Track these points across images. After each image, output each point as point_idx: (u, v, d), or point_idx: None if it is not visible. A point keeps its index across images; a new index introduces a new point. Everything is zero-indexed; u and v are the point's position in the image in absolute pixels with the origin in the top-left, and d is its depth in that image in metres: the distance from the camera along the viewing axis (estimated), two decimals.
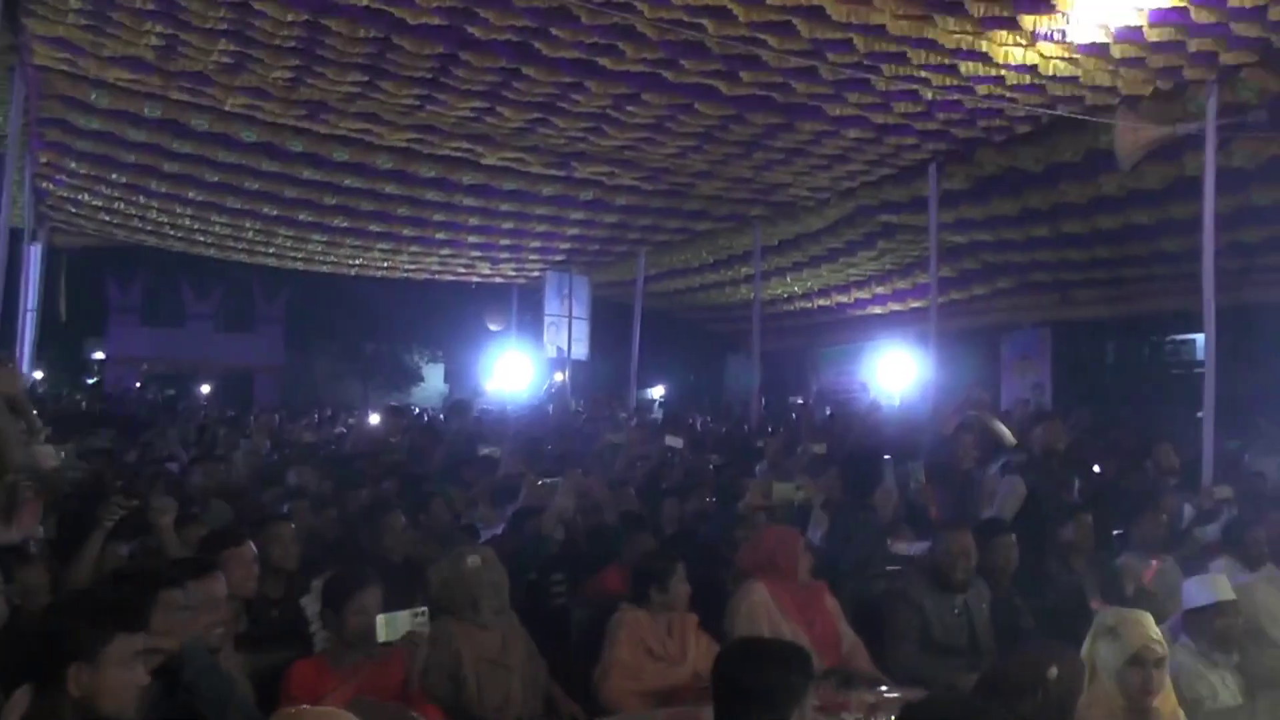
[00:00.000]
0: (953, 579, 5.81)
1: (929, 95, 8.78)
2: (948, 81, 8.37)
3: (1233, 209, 9.90)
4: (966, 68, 8.01)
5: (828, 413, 16.84)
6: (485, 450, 9.77)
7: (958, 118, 9.46)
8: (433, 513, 7.60)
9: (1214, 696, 4.82)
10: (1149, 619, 4.11)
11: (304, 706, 3.25)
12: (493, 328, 22.68)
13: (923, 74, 8.23)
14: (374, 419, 14.32)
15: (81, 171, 12.62)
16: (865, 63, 8.02)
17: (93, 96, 10.05)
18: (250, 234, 15.63)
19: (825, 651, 5.40)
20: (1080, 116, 8.96)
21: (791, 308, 19.35)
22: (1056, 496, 7.71)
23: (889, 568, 6.93)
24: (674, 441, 10.53)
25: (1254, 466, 10.21)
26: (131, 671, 3.07)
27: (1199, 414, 9.19)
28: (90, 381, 31.44)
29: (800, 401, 19.37)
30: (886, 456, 8.11)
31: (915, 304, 16.62)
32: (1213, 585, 5.09)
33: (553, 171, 12.05)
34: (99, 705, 2.98)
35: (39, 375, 11.43)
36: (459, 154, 11.45)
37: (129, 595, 3.42)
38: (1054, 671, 3.66)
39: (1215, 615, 4.97)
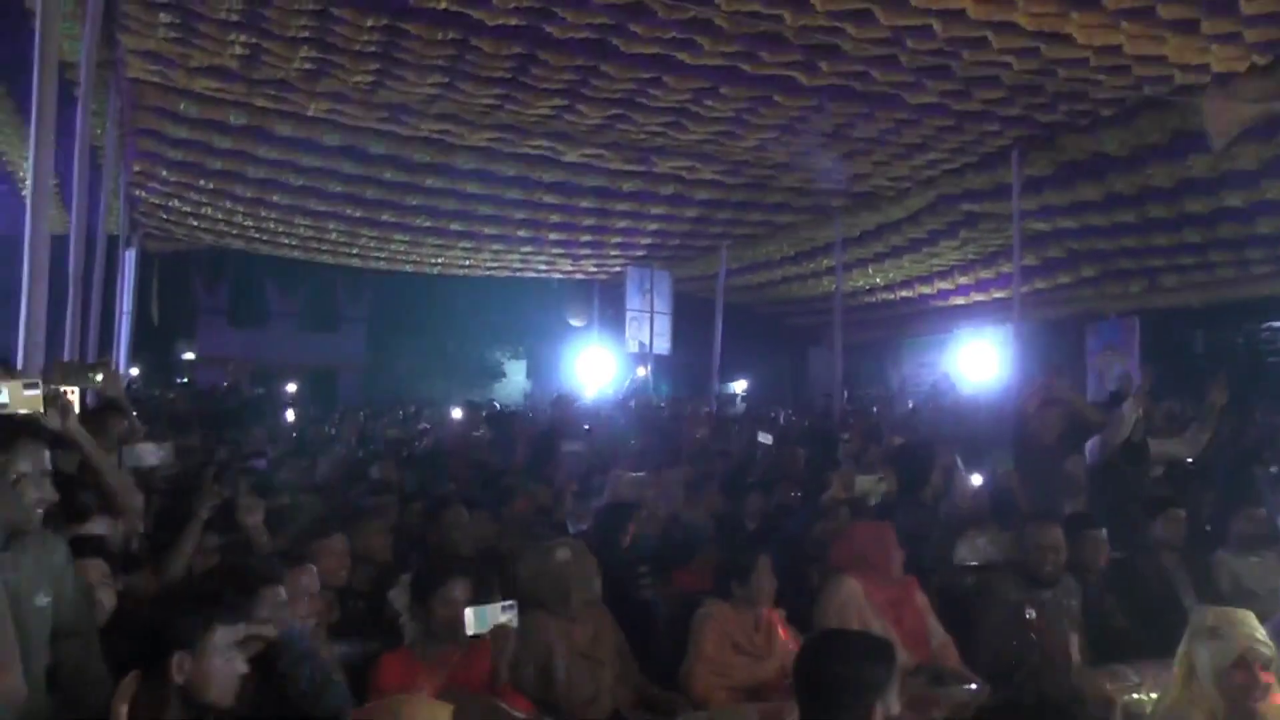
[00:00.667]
0: (1041, 574, 5.72)
1: (1010, 80, 8.64)
2: (1029, 65, 8.21)
3: None
4: (1048, 51, 7.85)
5: (909, 405, 16.68)
6: (569, 446, 9.81)
7: (1039, 102, 9.28)
8: (515, 507, 7.68)
9: None
10: (1252, 618, 3.95)
11: (397, 695, 3.30)
12: (574, 324, 22.75)
13: (1004, 59, 8.08)
14: (455, 414, 14.46)
15: (172, 179, 12.92)
16: (945, 49, 7.91)
17: (182, 106, 10.28)
18: (334, 235, 15.86)
19: (914, 648, 5.36)
20: (1168, 97, 8.76)
21: (873, 299, 19.17)
22: (1139, 486, 7.57)
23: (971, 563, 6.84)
24: (764, 438, 10.51)
25: None
26: (231, 660, 3.21)
27: None
28: (181, 381, 31.99)
29: (881, 393, 19.19)
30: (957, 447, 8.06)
31: (998, 293, 16.39)
32: None
33: (633, 167, 12.06)
34: (201, 692, 3.13)
35: (134, 373, 11.70)
36: (539, 152, 11.50)
37: (230, 588, 3.53)
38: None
39: None
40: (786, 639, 5.34)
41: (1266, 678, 3.78)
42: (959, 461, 7.82)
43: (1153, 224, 12.24)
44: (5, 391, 3.56)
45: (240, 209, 14.37)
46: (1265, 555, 6.63)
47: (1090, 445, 7.82)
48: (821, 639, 3.82)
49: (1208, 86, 8.35)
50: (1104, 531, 6.18)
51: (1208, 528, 7.52)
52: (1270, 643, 3.86)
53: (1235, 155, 9.48)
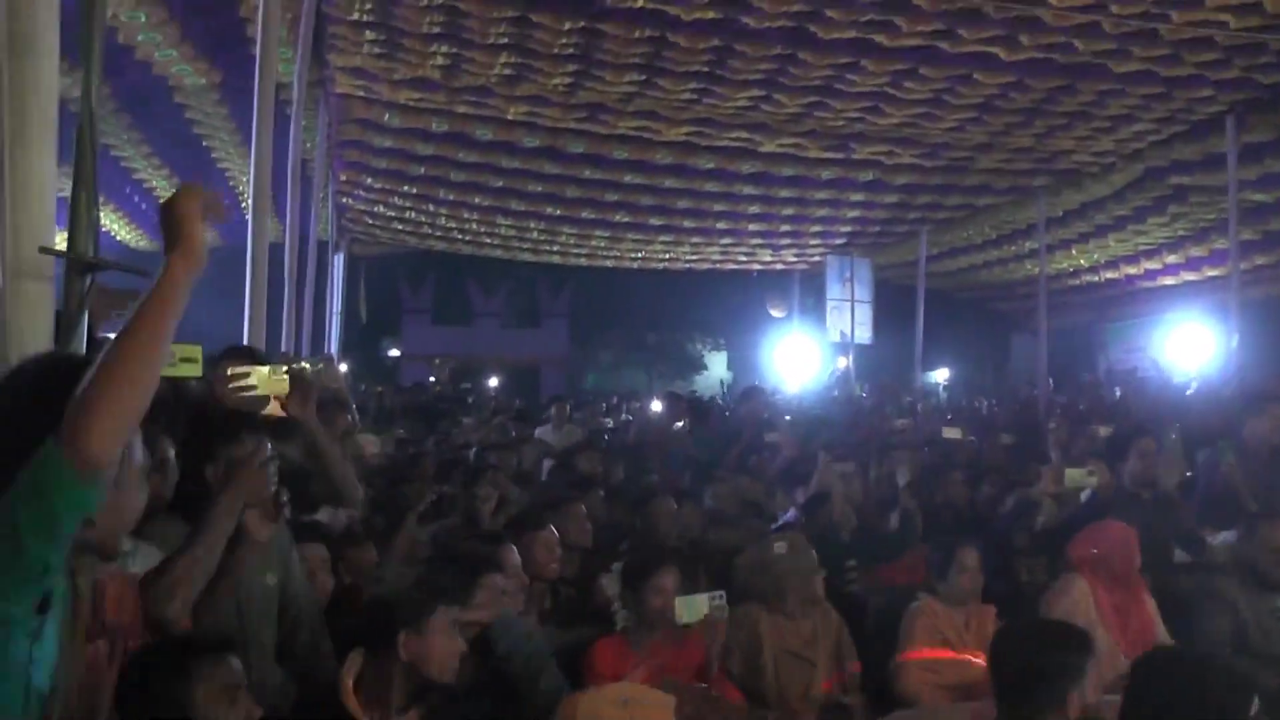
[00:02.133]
0: (1272, 577, 5.46)
1: (1225, 41, 8.22)
2: (1249, 23, 7.77)
3: None
4: (1272, 3, 7.40)
5: (1117, 393, 16.12)
6: (771, 436, 9.78)
7: (1261, 62, 8.74)
8: (718, 498, 7.71)
9: None
10: None
11: (624, 683, 3.39)
12: (775, 314, 22.72)
13: (1220, 17, 7.67)
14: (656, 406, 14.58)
15: (377, 186, 13.45)
16: (1153, 11, 7.60)
17: (386, 117, 10.69)
18: (534, 234, 16.23)
19: (1139, 654, 5.16)
20: None
21: (1078, 282, 18.62)
22: None
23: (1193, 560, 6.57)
24: (952, 433, 10.26)
25: None
26: (452, 640, 3.39)
27: None
28: (389, 378, 33.14)
29: (1088, 380, 18.61)
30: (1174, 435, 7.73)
31: (1212, 272, 15.71)
32: None
33: (831, 154, 11.99)
34: (424, 668, 3.33)
35: (345, 368, 12.28)
36: (737, 144, 11.55)
37: (452, 573, 3.70)
38: None
39: None
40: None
41: None
42: (1159, 444, 7.52)
43: None
44: (256, 376, 3.77)
45: (443, 212, 14.84)
46: None
47: None
48: (1016, 628, 3.77)
49: None
50: None
51: None
52: None
53: None
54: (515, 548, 4.58)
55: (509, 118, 10.67)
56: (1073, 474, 6.65)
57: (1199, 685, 3.15)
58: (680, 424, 11.25)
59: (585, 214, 14.58)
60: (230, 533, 3.02)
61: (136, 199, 13.87)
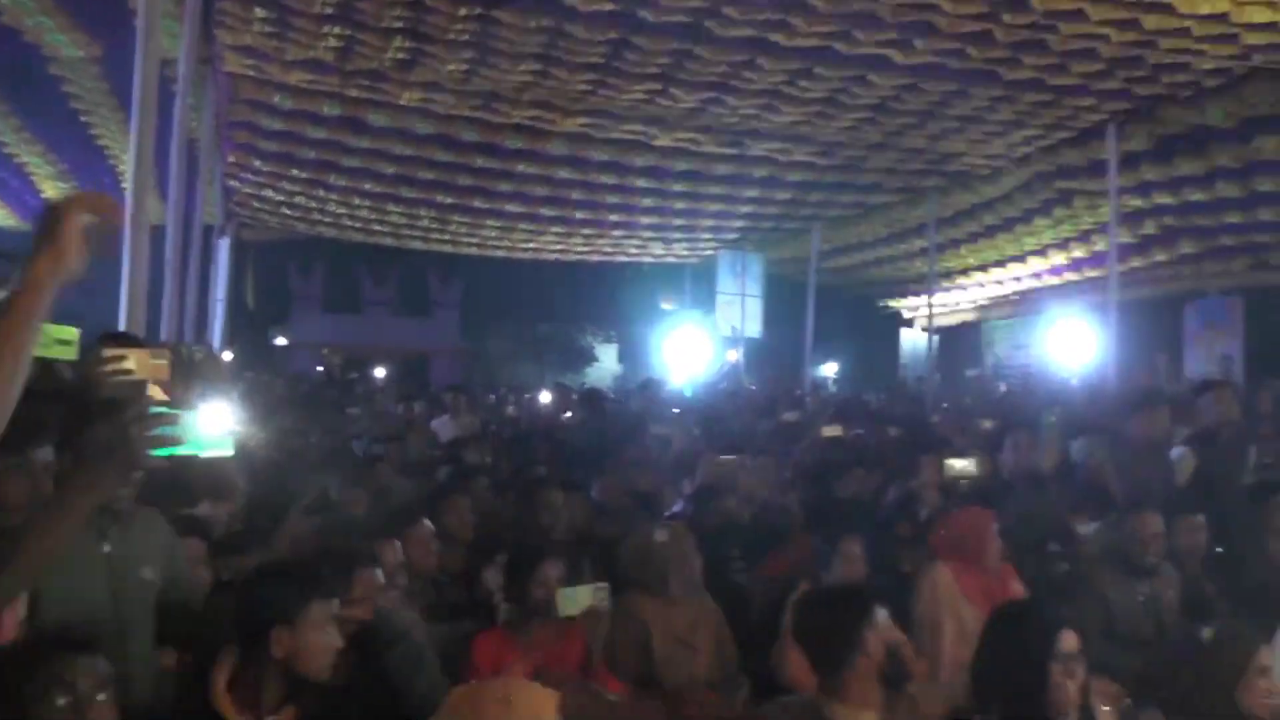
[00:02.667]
0: (1141, 564, 5.60)
1: (1108, 53, 8.45)
2: (1129, 37, 8.02)
3: None
4: (1149, 21, 7.66)
5: (1002, 388, 16.47)
6: (658, 429, 9.81)
7: (1139, 75, 9.06)
8: (606, 490, 7.70)
9: None
10: None
11: (503, 678, 3.34)
12: (666, 307, 22.79)
13: (1102, 30, 7.91)
14: (545, 397, 14.56)
15: (266, 169, 13.16)
16: (1042, 22, 7.77)
17: (276, 99, 10.45)
18: (426, 222, 16.05)
19: None
20: (1277, 66, 8.51)
21: (967, 280, 18.98)
22: (1230, 472, 7.36)
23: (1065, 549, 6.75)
24: (832, 431, 10.36)
25: None
26: (328, 635, 3.29)
27: None
28: (276, 367, 32.60)
29: (974, 375, 19.03)
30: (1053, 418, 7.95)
31: (1093, 273, 16.10)
32: None
33: (725, 150, 12.04)
34: (299, 665, 3.23)
35: (229, 357, 11.97)
36: (632, 137, 11.52)
37: (328, 567, 3.63)
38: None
39: None
40: None
41: None
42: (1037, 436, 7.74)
43: (1258, 198, 11.89)
44: (134, 360, 3.61)
45: (333, 198, 14.60)
46: None
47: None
48: (806, 599, 4.19)
49: None
50: (1202, 518, 6.03)
51: None
52: None
53: None
54: (396, 543, 4.52)
55: (402, 103, 10.51)
56: (953, 464, 6.78)
57: (1014, 626, 3.64)
58: (568, 415, 11.23)
59: (477, 203, 14.44)
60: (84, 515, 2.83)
61: (4, 175, 13.45)
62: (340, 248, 25.86)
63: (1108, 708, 4.15)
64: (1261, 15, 7.49)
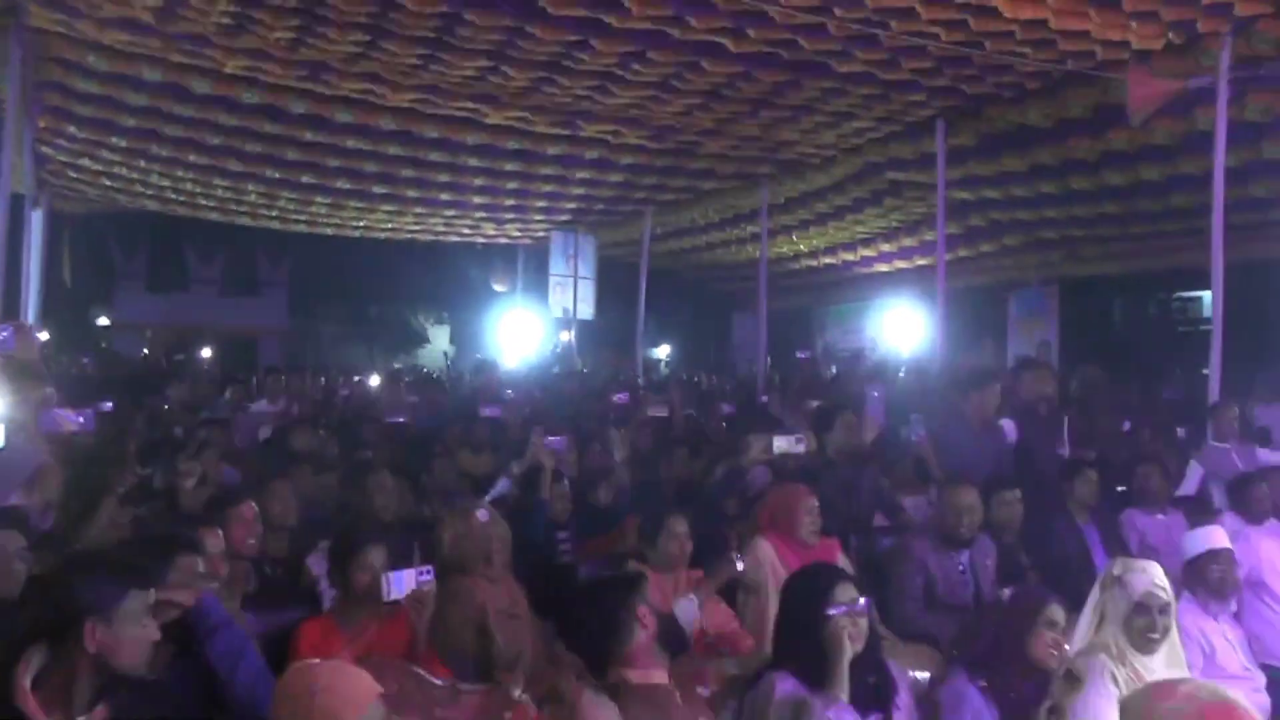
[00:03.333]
0: (957, 536, 5.83)
1: (937, 51, 8.68)
2: (957, 37, 8.26)
3: (1243, 163, 9.85)
4: (976, 23, 7.91)
5: (832, 370, 16.83)
6: (488, 410, 9.75)
7: (966, 74, 9.36)
8: (436, 473, 7.62)
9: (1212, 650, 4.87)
10: (1156, 567, 4.22)
11: (314, 660, 3.25)
12: (498, 289, 22.63)
13: (932, 29, 8.13)
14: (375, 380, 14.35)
15: (81, 136, 12.55)
16: (873, 18, 7.93)
17: (90, 59, 9.98)
18: (253, 197, 15.58)
19: None
20: (1091, 72, 8.87)
21: (798, 266, 19.30)
22: (1046, 448, 7.71)
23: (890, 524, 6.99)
24: (658, 411, 10.45)
25: (1259, 421, 10.23)
26: (145, 627, 3.13)
27: (1205, 370, 9.20)
28: (98, 347, 31.41)
29: (804, 356, 19.42)
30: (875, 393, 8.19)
31: (922, 261, 16.55)
32: (1208, 535, 5.15)
33: (558, 131, 11.98)
34: (113, 659, 3.05)
35: (45, 337, 11.42)
36: (463, 114, 11.37)
37: (144, 555, 3.47)
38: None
39: (1210, 563, 5.09)
40: (707, 602, 5.32)
41: (1164, 622, 4.09)
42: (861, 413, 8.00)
43: (1074, 195, 12.43)
44: None
45: (155, 169, 14.03)
46: (1170, 514, 6.89)
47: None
48: (578, 588, 4.54)
49: (1128, 62, 8.50)
50: (1018, 493, 6.30)
51: (1120, 489, 7.73)
52: (1169, 590, 4.16)
53: (1153, 130, 9.63)
54: (218, 530, 4.39)
55: (227, 71, 10.16)
56: (780, 442, 6.91)
57: (799, 587, 4.04)
58: (397, 398, 11.09)
59: (306, 178, 14.07)
60: None
61: None
62: (166, 223, 24.95)
63: (922, 672, 4.32)
64: (1077, 24, 7.85)
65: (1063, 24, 7.85)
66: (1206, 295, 8.42)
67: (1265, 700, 4.86)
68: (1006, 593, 4.60)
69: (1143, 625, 4.05)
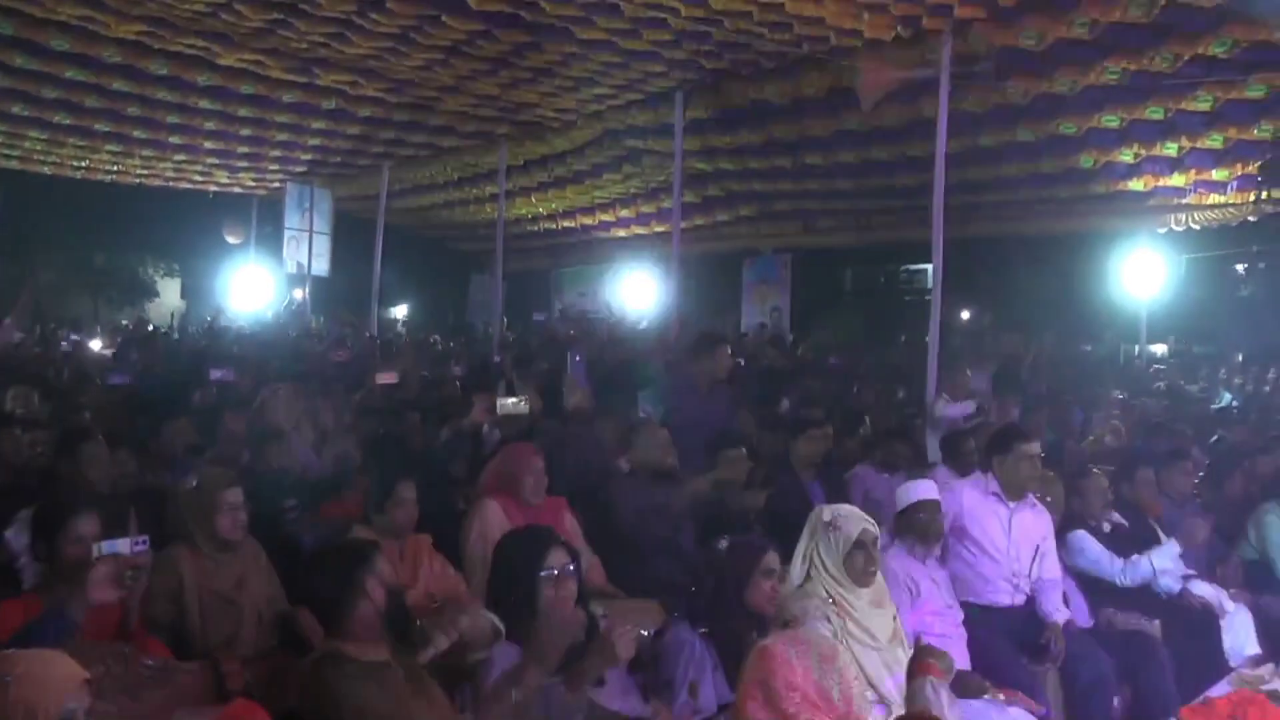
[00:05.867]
0: (660, 476, 6.07)
1: (677, 25, 8.83)
2: (696, 13, 8.44)
3: (962, 150, 10.46)
4: (716, 1, 8.07)
5: (570, 333, 16.98)
6: (218, 373, 9.39)
7: (705, 49, 9.58)
8: (163, 439, 7.30)
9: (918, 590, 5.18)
10: (858, 510, 4.62)
11: (11, 651, 3.04)
12: (231, 241, 21.86)
13: (672, 3, 8.29)
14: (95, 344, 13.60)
15: None
16: None
17: None
18: None
19: None
20: (825, 56, 9.19)
21: (536, 228, 19.33)
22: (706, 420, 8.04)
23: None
24: (387, 378, 10.27)
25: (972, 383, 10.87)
26: None
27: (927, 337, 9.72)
28: None
29: (540, 319, 19.51)
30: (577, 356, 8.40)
31: (659, 228, 16.81)
32: (918, 488, 5.46)
33: (294, 77, 11.63)
34: None
35: None
36: (194, 52, 10.84)
37: None
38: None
39: (918, 512, 5.38)
40: (434, 566, 5.28)
41: (877, 555, 4.53)
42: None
43: (808, 170, 12.89)
44: None
45: None
46: (897, 474, 7.25)
47: None
48: (312, 555, 4.36)
49: (860, 50, 8.87)
50: (743, 450, 6.53)
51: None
52: (876, 527, 4.58)
53: (882, 114, 10.11)
54: None
55: None
56: (504, 404, 6.94)
57: (509, 550, 4.14)
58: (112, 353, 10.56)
59: (17, 109, 13.06)
60: None
61: None
62: None
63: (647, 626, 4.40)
64: (813, 10, 8.13)
65: (799, 9, 8.14)
66: (930, 268, 8.97)
67: (964, 632, 5.27)
68: (724, 543, 4.77)
69: (862, 561, 4.41)
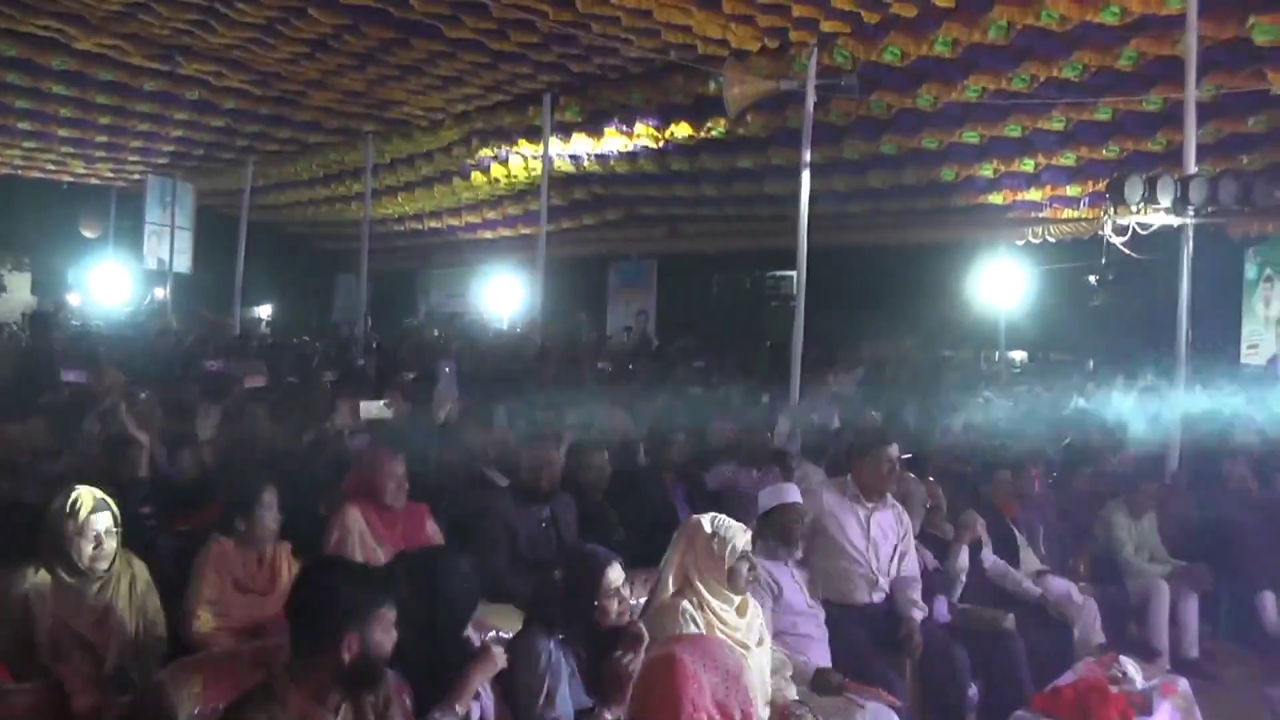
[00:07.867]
0: (537, 491, 5.99)
1: (545, 28, 8.86)
2: (565, 17, 8.50)
3: (827, 160, 10.65)
4: (583, 4, 8.16)
5: (435, 334, 16.87)
6: (71, 375, 9.07)
7: (574, 53, 9.66)
8: (10, 441, 7.04)
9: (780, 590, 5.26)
10: (734, 520, 4.51)
11: None
12: (88, 234, 21.22)
13: (541, 6, 8.34)
14: None
15: None
16: None
17: None
18: None
19: None
20: (692, 64, 9.30)
21: (403, 228, 19.23)
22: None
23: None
24: (255, 381, 10.06)
25: (836, 387, 11.07)
26: None
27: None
28: None
29: (411, 324, 19.33)
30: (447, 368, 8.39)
31: (526, 230, 16.81)
32: (781, 491, 5.54)
33: (155, 65, 11.38)
34: None
35: None
36: (47, 34, 10.51)
37: None
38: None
39: (781, 515, 5.39)
40: (294, 573, 5.19)
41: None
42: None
43: (675, 176, 12.99)
44: None
45: None
46: (762, 471, 7.35)
47: None
48: (315, 564, 3.78)
49: (727, 60, 8.99)
50: (605, 453, 6.56)
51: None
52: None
53: (749, 123, 10.23)
54: None
55: None
56: (369, 408, 6.87)
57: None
58: None
59: None
60: None
61: None
62: None
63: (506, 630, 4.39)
64: (680, 18, 8.21)
65: (666, 16, 8.24)
66: (795, 274, 9.15)
67: (825, 631, 5.28)
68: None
69: (745, 570, 4.38)
